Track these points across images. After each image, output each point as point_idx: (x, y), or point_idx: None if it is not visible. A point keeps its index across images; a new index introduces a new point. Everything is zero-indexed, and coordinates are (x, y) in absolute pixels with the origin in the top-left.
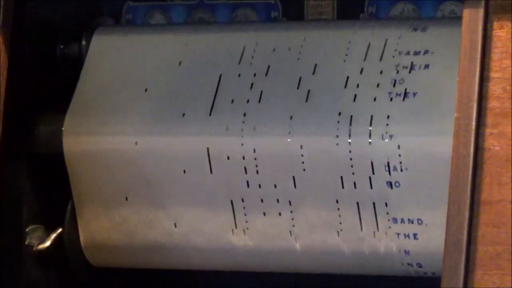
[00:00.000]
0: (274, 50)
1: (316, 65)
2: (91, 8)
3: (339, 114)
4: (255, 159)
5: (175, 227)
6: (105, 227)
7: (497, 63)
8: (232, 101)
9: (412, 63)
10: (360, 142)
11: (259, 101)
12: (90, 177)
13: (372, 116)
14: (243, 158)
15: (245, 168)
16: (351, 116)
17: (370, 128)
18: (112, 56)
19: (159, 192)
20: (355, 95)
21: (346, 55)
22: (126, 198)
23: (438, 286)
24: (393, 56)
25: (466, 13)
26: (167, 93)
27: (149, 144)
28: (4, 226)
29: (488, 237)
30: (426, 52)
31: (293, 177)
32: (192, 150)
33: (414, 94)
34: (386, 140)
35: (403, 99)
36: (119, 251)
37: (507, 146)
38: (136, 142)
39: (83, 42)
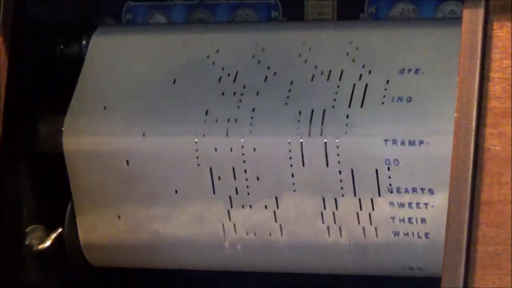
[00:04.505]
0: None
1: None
2: (91, 8)
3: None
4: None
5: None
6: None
7: (497, 63)
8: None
9: None
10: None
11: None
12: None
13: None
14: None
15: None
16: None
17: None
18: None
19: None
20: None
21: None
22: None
23: (438, 286)
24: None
25: (466, 13)
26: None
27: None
28: (4, 226)
29: (488, 237)
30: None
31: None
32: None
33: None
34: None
35: None
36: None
37: (507, 146)
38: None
39: (83, 42)
